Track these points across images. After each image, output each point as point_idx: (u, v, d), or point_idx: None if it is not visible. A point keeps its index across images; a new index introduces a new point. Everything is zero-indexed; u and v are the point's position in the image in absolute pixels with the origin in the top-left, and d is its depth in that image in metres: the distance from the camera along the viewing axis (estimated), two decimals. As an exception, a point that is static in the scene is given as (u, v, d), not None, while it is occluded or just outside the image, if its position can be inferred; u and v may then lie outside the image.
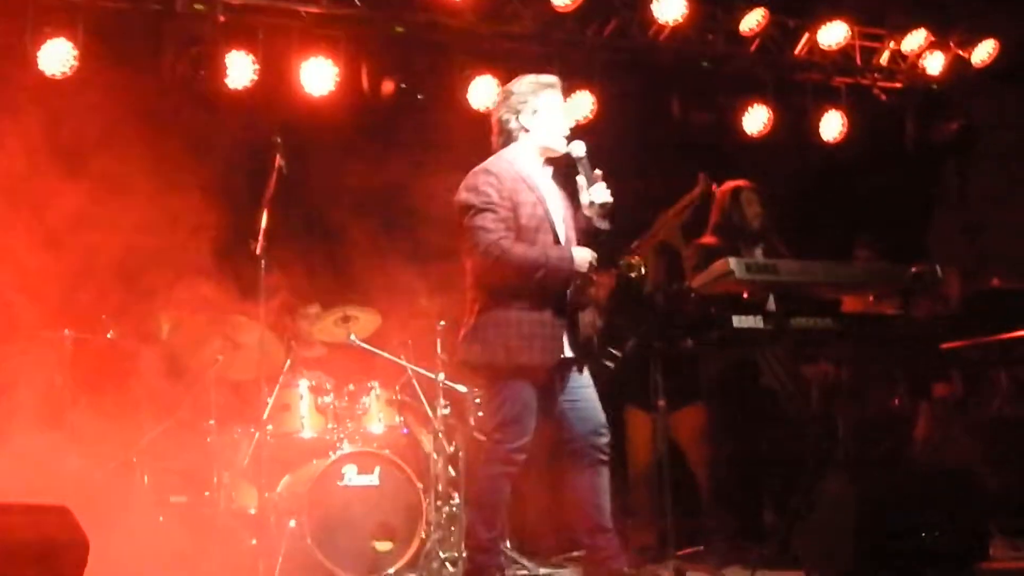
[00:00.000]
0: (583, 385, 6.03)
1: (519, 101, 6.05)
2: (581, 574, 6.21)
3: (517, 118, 6.03)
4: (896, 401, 7.68)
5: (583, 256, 5.82)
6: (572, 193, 6.11)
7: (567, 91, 8.85)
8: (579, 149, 5.97)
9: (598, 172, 5.93)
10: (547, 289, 5.83)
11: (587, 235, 6.01)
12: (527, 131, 6.03)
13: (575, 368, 6.00)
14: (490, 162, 6.00)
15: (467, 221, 5.88)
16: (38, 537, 4.89)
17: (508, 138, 6.08)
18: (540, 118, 6.02)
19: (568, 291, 5.92)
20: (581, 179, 5.97)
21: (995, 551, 6.89)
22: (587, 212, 5.95)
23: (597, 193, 5.88)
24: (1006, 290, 8.15)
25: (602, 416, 6.04)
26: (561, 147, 6.02)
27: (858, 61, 10.03)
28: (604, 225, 5.93)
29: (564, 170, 6.14)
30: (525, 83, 6.10)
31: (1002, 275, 8.44)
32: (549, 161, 6.10)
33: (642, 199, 8.22)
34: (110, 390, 7.31)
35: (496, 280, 5.85)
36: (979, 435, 7.87)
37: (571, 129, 6.12)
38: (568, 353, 5.92)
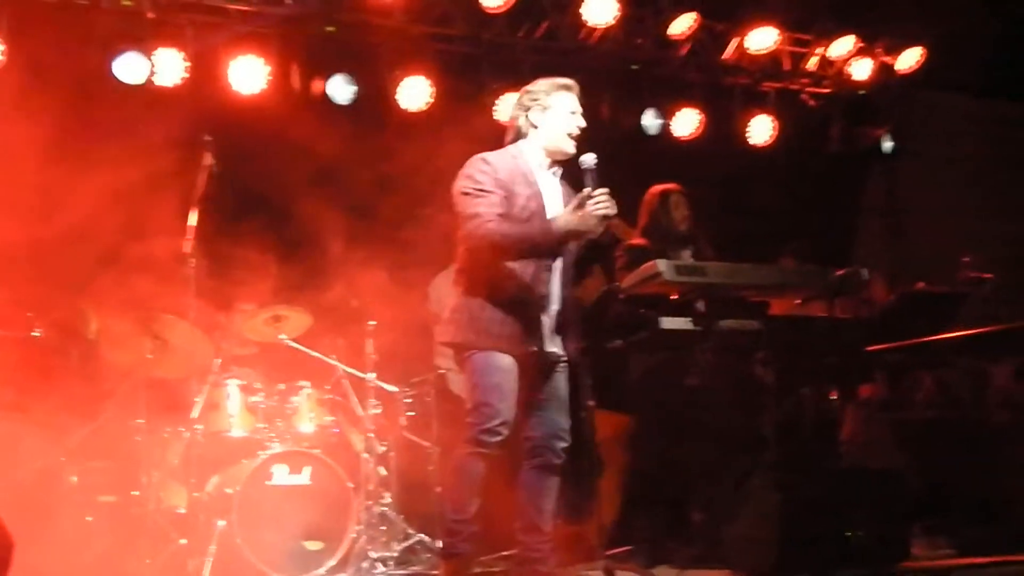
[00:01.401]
0: (557, 385, 6.07)
1: (531, 99, 6.11)
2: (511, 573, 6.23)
3: (527, 115, 6.09)
4: (821, 402, 7.76)
5: (565, 221, 5.79)
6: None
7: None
8: (589, 160, 5.92)
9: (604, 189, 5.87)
10: (528, 280, 5.89)
11: (587, 245, 6.07)
12: (535, 128, 6.08)
13: (555, 365, 6.04)
14: (490, 153, 6.06)
15: (460, 208, 5.93)
16: (-38, 537, 4.85)
17: (517, 135, 6.14)
18: (549, 116, 6.06)
19: (554, 287, 5.99)
20: (587, 190, 5.91)
21: (917, 550, 7.00)
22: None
23: (600, 205, 5.80)
24: (931, 293, 8.25)
25: (566, 420, 6.07)
26: (568, 148, 6.04)
27: (786, 66, 10.14)
28: (605, 239, 5.97)
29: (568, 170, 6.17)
30: (541, 83, 6.16)
31: (927, 278, 8.55)
32: (558, 163, 6.12)
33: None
34: (37, 389, 7.23)
35: (485, 264, 5.90)
36: (903, 436, 7.97)
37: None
38: (552, 348, 6.00)
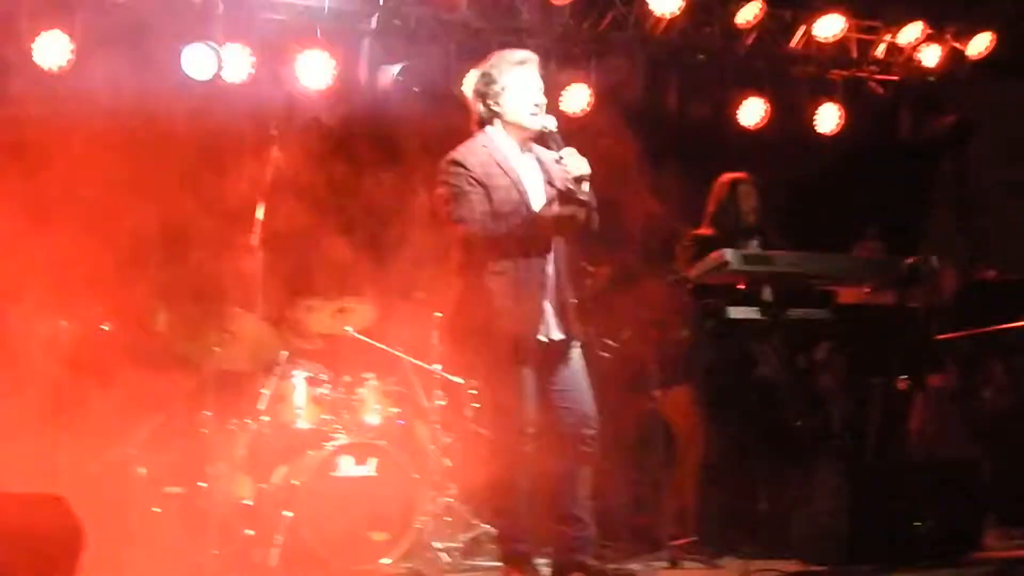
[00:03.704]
0: (575, 372, 5.98)
1: (486, 83, 6.01)
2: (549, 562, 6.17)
3: (485, 102, 6.00)
4: (891, 392, 7.70)
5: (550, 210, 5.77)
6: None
7: (563, 84, 8.94)
8: (549, 123, 5.90)
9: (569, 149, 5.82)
10: (529, 271, 5.83)
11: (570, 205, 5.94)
12: (498, 114, 5.99)
13: (565, 352, 5.96)
14: (458, 151, 5.98)
15: (445, 214, 5.91)
16: (34, 526, 4.93)
17: (481, 122, 6.06)
18: (508, 98, 5.96)
19: (550, 272, 5.91)
20: (552, 152, 5.91)
21: (989, 540, 6.92)
22: (567, 183, 5.85)
23: (571, 164, 5.77)
24: (1001, 282, 8.16)
25: (592, 406, 5.98)
26: (533, 124, 5.94)
27: (854, 54, 10.03)
28: (585, 196, 5.83)
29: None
30: (494, 63, 6.05)
31: (997, 267, 8.46)
32: (528, 139, 6.03)
33: (638, 192, 8.23)
34: (106, 381, 7.30)
35: (479, 264, 5.84)
36: (974, 425, 7.89)
37: (551, 110, 6.01)
38: (558, 335, 5.91)
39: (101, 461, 7.26)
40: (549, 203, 5.84)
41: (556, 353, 5.95)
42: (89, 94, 7.69)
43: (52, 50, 7.80)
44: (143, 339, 7.70)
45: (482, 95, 6.01)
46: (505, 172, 5.89)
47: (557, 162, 5.83)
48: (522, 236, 5.80)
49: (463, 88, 8.52)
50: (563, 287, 5.99)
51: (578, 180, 5.78)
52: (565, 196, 5.87)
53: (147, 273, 7.70)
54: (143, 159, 7.65)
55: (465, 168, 5.87)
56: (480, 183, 5.84)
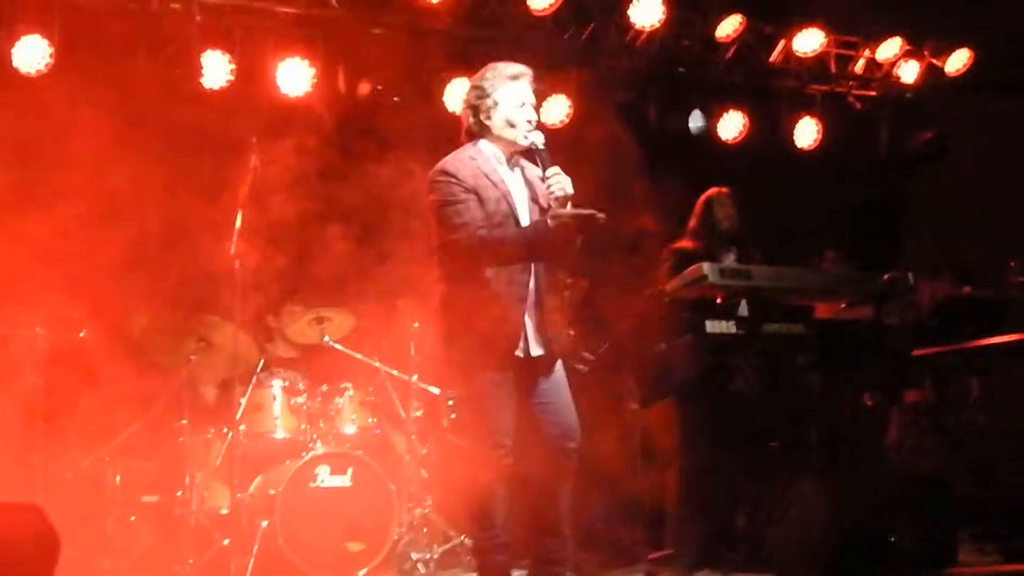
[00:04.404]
0: (556, 385, 5.92)
1: (478, 96, 5.89)
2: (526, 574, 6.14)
3: (477, 114, 5.89)
4: (868, 407, 7.72)
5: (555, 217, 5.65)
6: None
7: (543, 95, 8.93)
8: (538, 140, 5.79)
9: (555, 168, 5.72)
10: (510, 285, 5.75)
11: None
12: (488, 128, 5.89)
13: (546, 367, 5.93)
14: (447, 161, 5.87)
15: (442, 222, 5.81)
16: (9, 534, 4.91)
17: (471, 134, 5.96)
18: (500, 113, 5.85)
19: (533, 286, 5.83)
20: (538, 170, 5.83)
21: (964, 556, 6.94)
22: (550, 201, 5.75)
23: (556, 184, 5.67)
24: (977, 298, 8.19)
25: (574, 419, 5.91)
26: (522, 141, 5.84)
27: (833, 69, 10.08)
28: (567, 217, 5.68)
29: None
30: (488, 77, 5.91)
31: (972, 283, 8.49)
32: (516, 153, 5.94)
33: (617, 203, 8.23)
34: (82, 389, 7.29)
35: (466, 276, 5.76)
36: (949, 441, 7.92)
37: (540, 126, 5.96)
38: (538, 352, 5.87)
39: (77, 469, 7.25)
40: (551, 218, 5.73)
41: (535, 368, 5.89)
42: (67, 99, 7.64)
43: (31, 54, 7.79)
44: (120, 347, 7.68)
45: (473, 108, 5.90)
46: (494, 184, 5.81)
47: (542, 180, 5.79)
48: (515, 249, 5.75)
49: (454, 98, 8.63)
50: (545, 303, 5.89)
51: (561, 200, 5.72)
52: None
53: (125, 281, 7.66)
54: (120, 166, 7.60)
55: (456, 178, 5.77)
56: (472, 191, 5.75)
